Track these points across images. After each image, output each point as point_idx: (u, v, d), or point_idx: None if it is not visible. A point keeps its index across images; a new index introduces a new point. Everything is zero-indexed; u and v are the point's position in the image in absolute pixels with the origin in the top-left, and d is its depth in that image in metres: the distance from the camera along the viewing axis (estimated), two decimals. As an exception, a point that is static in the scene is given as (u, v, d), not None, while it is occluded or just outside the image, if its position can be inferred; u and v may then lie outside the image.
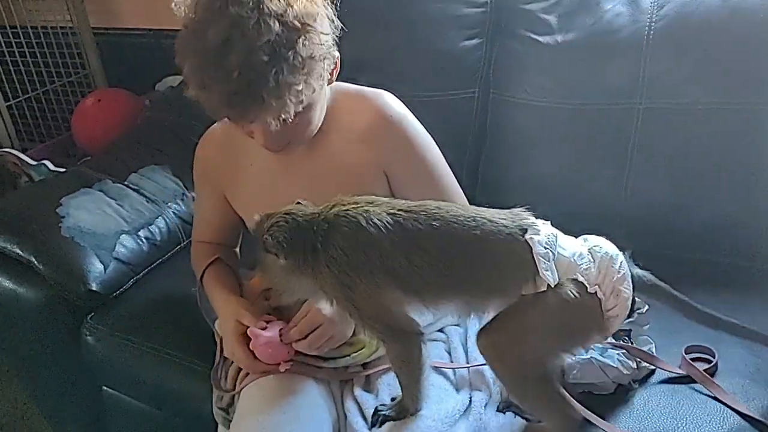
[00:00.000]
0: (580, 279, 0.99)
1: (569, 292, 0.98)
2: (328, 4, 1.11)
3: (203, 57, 1.01)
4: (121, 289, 1.55)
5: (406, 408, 1.08)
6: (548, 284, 0.97)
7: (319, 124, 1.18)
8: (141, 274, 1.60)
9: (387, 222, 0.98)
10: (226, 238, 1.40)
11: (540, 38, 1.57)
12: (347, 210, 1.01)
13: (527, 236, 0.98)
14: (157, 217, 1.66)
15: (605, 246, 1.04)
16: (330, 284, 1.02)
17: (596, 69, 1.52)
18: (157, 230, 1.65)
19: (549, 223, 1.04)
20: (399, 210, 1.00)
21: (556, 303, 0.98)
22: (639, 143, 1.51)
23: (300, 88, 1.03)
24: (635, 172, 1.52)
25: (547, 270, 0.97)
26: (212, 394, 1.28)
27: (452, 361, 1.23)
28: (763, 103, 1.40)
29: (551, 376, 1.04)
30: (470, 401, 1.14)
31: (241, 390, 1.19)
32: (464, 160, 1.67)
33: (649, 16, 1.47)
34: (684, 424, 1.11)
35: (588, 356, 1.18)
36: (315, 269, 1.01)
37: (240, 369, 1.22)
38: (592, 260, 1.01)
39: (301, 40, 1.02)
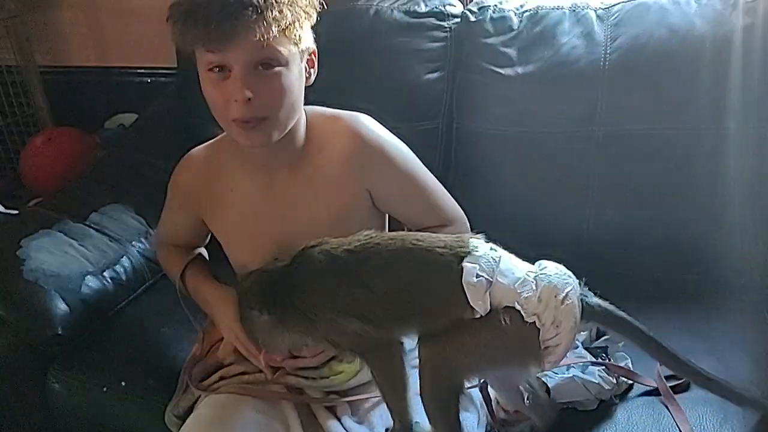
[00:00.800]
0: (517, 307, 1.00)
1: (502, 320, 0.99)
2: None
3: None
4: (88, 332, 1.50)
5: (400, 428, 1.08)
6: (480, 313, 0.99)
7: (294, 120, 1.17)
8: (108, 315, 1.55)
9: (330, 267, 1.05)
10: (196, 244, 1.40)
11: (501, 70, 1.63)
12: (296, 260, 1.08)
13: (462, 264, 1.00)
14: (122, 257, 1.63)
15: (554, 274, 1.03)
16: (301, 327, 1.08)
17: (556, 99, 1.59)
18: (122, 270, 1.61)
19: (498, 246, 1.05)
20: (342, 251, 1.06)
21: (489, 330, 1.00)
22: (599, 169, 1.58)
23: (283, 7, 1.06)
24: (596, 196, 1.59)
25: (477, 299, 0.99)
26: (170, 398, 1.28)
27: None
28: (713, 128, 1.49)
29: (463, 390, 1.07)
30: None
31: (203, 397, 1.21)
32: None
33: (603, 48, 1.56)
34: (666, 436, 1.15)
35: (570, 374, 1.21)
36: (287, 317, 1.07)
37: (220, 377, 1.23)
38: (535, 288, 1.01)
39: None
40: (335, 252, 1.05)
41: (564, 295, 1.01)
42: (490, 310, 0.99)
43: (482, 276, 0.99)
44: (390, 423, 1.13)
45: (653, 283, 1.53)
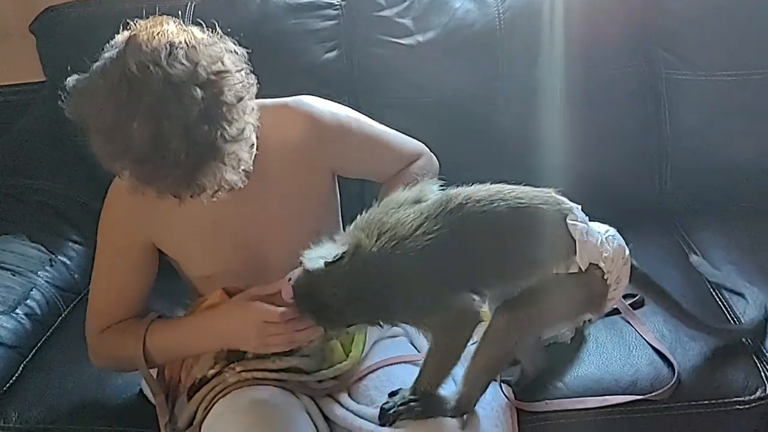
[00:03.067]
0: (601, 265, 1.06)
1: (594, 275, 1.06)
2: (221, 37, 1.03)
3: (140, 155, 0.92)
4: (13, 379, 1.33)
5: (422, 393, 1.08)
6: (579, 267, 1.05)
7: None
8: (29, 356, 1.38)
9: (429, 235, 1.00)
10: (138, 309, 1.22)
11: (401, 41, 1.66)
12: (386, 245, 1.00)
13: (569, 221, 1.05)
14: (31, 290, 1.45)
15: (617, 236, 1.12)
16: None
17: (458, 62, 1.65)
18: (35, 304, 1.44)
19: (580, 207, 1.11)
20: (436, 210, 1.02)
21: (581, 285, 1.06)
22: (505, 126, 1.66)
23: (245, 128, 0.98)
24: (508, 153, 1.66)
25: (583, 255, 1.04)
26: None
27: (419, 351, 1.25)
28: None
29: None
30: (453, 381, 1.15)
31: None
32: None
33: (495, 9, 1.64)
34: (631, 349, 1.26)
35: None
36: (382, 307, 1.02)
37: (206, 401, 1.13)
38: (609, 248, 1.08)
39: (225, 90, 0.95)
40: (419, 215, 1.01)
41: (627, 256, 1.11)
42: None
43: (584, 235, 1.04)
44: (385, 389, 1.13)
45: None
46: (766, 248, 1.47)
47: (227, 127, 0.95)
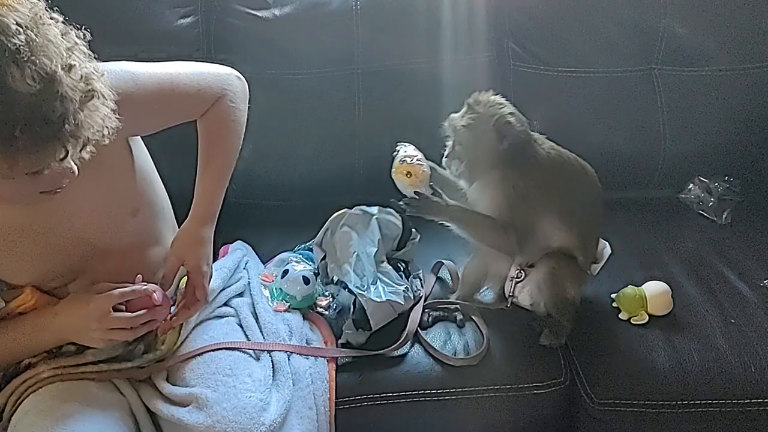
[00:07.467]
0: None
1: None
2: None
3: (30, 106, 0.83)
4: None
5: None
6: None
7: None
8: None
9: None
10: None
11: (258, 13, 1.64)
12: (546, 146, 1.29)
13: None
14: None
15: None
16: (508, 189, 1.25)
17: (315, 39, 1.65)
18: None
19: None
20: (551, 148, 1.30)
21: None
22: (363, 103, 1.67)
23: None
24: (363, 129, 1.68)
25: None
26: None
27: (246, 333, 1.26)
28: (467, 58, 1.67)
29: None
30: (272, 362, 1.21)
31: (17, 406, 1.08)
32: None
33: (353, -11, 1.63)
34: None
35: (384, 299, 1.32)
36: (513, 170, 1.24)
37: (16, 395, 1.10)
38: None
39: (74, 33, 0.91)
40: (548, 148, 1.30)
41: None
42: None
43: None
44: (204, 371, 1.14)
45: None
46: (614, 236, 1.49)
47: (90, 63, 0.91)
